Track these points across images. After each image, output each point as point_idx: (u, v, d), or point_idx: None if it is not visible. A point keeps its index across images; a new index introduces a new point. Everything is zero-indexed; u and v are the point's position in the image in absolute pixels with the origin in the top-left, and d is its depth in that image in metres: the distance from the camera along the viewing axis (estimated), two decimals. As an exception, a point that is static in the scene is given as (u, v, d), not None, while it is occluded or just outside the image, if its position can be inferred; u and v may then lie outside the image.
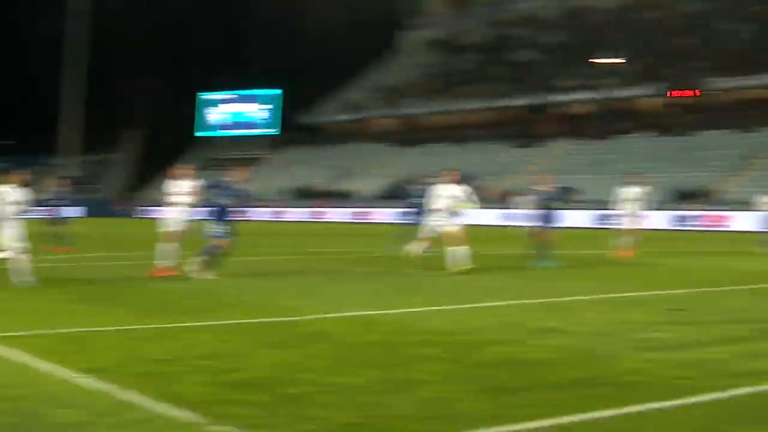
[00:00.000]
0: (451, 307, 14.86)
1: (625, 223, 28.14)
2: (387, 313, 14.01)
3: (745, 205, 63.11)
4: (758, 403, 7.95)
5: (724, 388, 8.40)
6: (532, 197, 25.65)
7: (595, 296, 16.66)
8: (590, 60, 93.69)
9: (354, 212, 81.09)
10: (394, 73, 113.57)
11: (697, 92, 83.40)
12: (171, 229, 20.52)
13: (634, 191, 28.36)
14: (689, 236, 47.45)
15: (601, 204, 66.16)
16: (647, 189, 28.61)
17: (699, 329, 12.38)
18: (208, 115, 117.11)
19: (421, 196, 27.63)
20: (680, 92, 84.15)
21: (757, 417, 7.46)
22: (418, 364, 9.72)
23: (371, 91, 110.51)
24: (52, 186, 32.70)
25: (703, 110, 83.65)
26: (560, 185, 28.46)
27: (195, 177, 21.29)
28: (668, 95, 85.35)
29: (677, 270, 23.03)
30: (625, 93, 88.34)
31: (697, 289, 17.90)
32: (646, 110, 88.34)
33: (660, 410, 7.67)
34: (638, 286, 18.23)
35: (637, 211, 28.08)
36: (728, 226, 59.92)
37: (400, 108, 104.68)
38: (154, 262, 20.40)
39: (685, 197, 67.57)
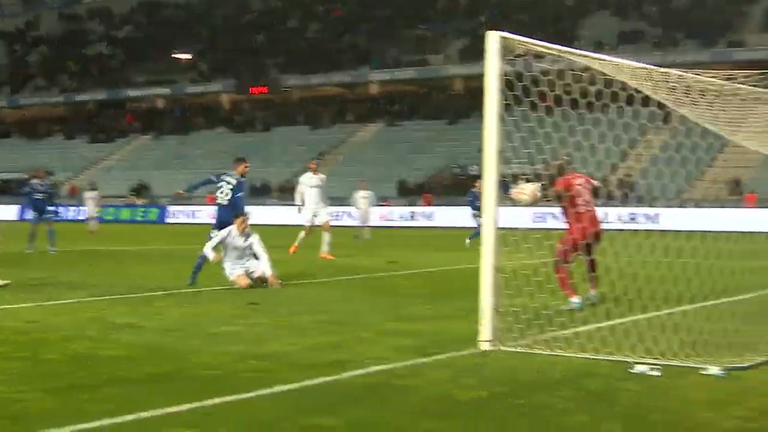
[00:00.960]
0: (28, 305, 14.42)
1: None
2: (-45, 313, 13.45)
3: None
4: (327, 393, 8.25)
5: (295, 380, 8.67)
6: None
7: (175, 291, 16.66)
8: (165, 55, 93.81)
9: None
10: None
11: (266, 89, 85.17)
12: None
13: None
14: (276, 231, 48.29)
15: (177, 199, 66.44)
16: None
17: (273, 322, 12.67)
18: None
19: (44, 191, 27.27)
20: (254, 89, 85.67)
21: (326, 406, 7.74)
22: (-13, 364, 9.43)
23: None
24: None
25: (276, 107, 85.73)
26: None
27: None
28: (243, 92, 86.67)
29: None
30: (200, 89, 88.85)
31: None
32: (221, 106, 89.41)
33: (236, 402, 7.83)
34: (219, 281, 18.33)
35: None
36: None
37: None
38: None
39: (261, 192, 68.94)
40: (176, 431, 6.96)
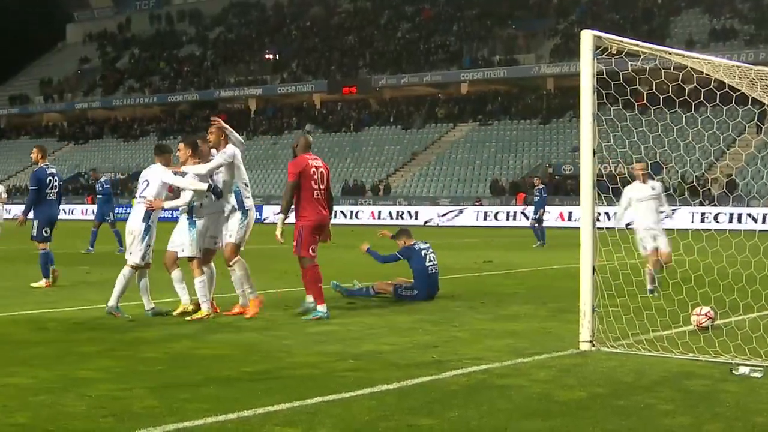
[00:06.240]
0: (124, 303, 14.53)
1: None
2: (57, 311, 13.64)
3: (418, 199, 65.78)
4: (426, 393, 8.22)
5: (394, 380, 8.67)
6: None
7: (271, 290, 16.69)
8: (256, 56, 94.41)
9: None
10: (58, 66, 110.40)
11: (354, 89, 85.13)
12: None
13: None
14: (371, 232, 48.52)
15: (270, 199, 66.92)
16: None
17: (369, 322, 12.68)
18: None
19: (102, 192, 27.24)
20: (346, 89, 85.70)
21: (426, 406, 7.72)
22: (90, 362, 9.56)
23: (36, 84, 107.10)
24: None
25: (367, 106, 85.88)
26: None
27: None
28: (335, 92, 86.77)
29: (348, 264, 23.32)
30: (291, 89, 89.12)
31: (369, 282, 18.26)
32: (313, 106, 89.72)
33: (336, 401, 7.84)
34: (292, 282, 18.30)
35: None
36: (415, 220, 60.69)
37: (66, 102, 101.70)
38: None
39: (354, 192, 69.07)
40: (278, 430, 7.00)
